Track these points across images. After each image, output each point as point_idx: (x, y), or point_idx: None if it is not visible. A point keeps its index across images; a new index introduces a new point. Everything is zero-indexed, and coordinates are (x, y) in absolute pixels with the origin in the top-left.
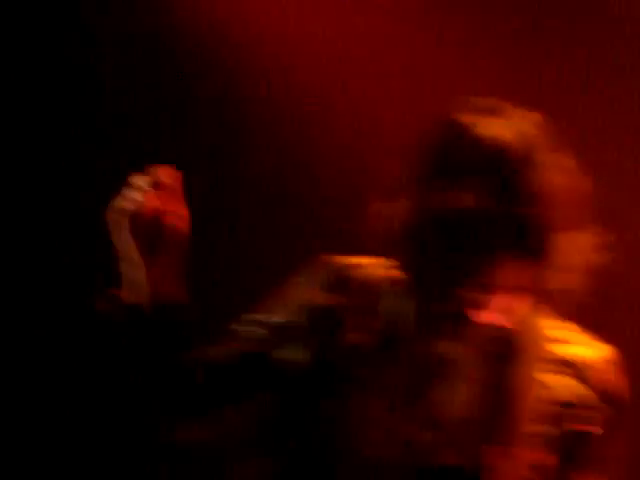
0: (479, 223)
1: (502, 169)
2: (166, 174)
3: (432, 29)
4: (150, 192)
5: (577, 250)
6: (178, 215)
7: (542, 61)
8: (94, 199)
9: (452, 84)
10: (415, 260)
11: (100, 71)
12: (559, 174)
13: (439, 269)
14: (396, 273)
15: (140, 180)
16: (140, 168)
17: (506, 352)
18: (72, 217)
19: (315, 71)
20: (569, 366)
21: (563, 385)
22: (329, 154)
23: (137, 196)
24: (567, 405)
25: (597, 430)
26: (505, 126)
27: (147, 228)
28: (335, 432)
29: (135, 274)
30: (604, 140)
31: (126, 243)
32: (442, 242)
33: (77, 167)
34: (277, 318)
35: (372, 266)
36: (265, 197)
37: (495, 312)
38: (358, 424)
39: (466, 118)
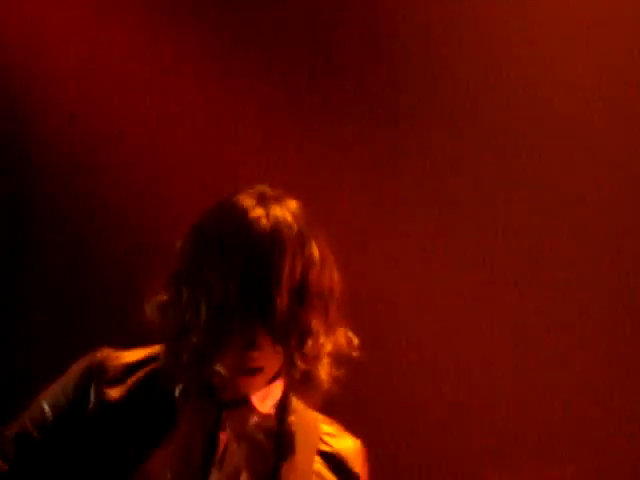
0: (239, 308)
1: (267, 254)
2: None
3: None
4: None
5: (329, 340)
6: None
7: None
8: None
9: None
10: (178, 345)
11: None
12: (322, 267)
13: (198, 354)
14: (161, 361)
15: None
16: None
17: (279, 442)
18: None
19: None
20: (324, 455)
21: (317, 473)
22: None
23: None
24: None
25: None
26: (276, 215)
27: None
28: None
29: None
30: None
31: None
32: (202, 320)
33: None
34: (50, 418)
35: (141, 356)
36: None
37: (261, 399)
38: None
39: (243, 202)
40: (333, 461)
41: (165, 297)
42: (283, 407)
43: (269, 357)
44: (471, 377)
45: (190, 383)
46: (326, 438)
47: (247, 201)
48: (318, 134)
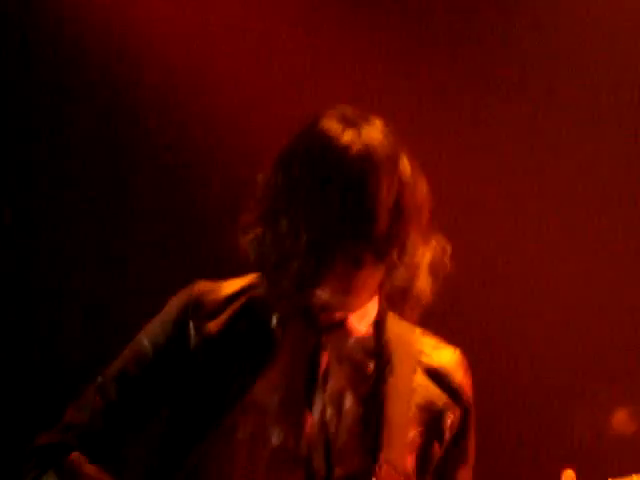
0: (340, 231)
1: (364, 177)
2: None
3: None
4: None
5: (427, 254)
6: None
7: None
8: None
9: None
10: (279, 274)
11: None
12: (414, 183)
13: (301, 281)
14: (260, 290)
15: None
16: None
17: (379, 361)
18: None
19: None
20: (425, 369)
21: (420, 388)
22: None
23: None
24: (424, 407)
25: (449, 431)
26: (367, 136)
27: None
28: (222, 455)
29: None
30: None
31: None
32: (303, 247)
33: None
34: (150, 355)
35: (236, 287)
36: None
37: (358, 320)
38: (245, 452)
39: (330, 127)
40: (434, 374)
41: (261, 229)
42: (380, 325)
43: (371, 275)
44: (563, 298)
45: (290, 310)
46: (426, 351)
47: (335, 125)
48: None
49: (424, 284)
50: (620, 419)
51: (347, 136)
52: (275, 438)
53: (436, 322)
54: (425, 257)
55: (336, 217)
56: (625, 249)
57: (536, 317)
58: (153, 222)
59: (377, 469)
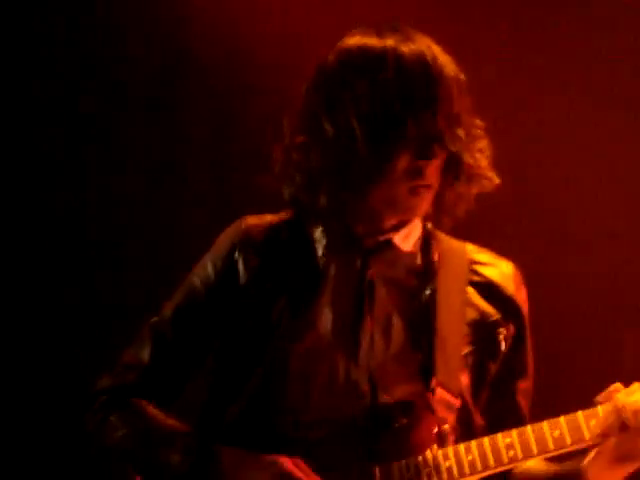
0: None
1: (425, 58)
2: None
3: None
4: None
5: (483, 158)
6: None
7: None
8: None
9: None
10: (336, 180)
11: None
12: (465, 92)
13: (362, 178)
14: (299, 220)
15: None
16: None
17: (427, 280)
18: None
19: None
20: (476, 285)
21: (472, 305)
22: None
23: None
24: (476, 324)
25: (503, 345)
26: (418, 46)
27: None
28: (276, 385)
29: None
30: None
31: None
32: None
33: None
34: (202, 291)
35: (281, 218)
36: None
37: (403, 239)
38: (299, 382)
39: (364, 34)
40: (486, 289)
41: (309, 143)
42: (427, 243)
43: (436, 174)
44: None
45: (339, 225)
46: (476, 267)
47: (367, 33)
48: None
49: (488, 175)
50: None
51: (389, 38)
52: (327, 368)
53: (490, 238)
54: (483, 149)
55: (394, 107)
56: None
57: (592, 242)
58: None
59: (430, 394)
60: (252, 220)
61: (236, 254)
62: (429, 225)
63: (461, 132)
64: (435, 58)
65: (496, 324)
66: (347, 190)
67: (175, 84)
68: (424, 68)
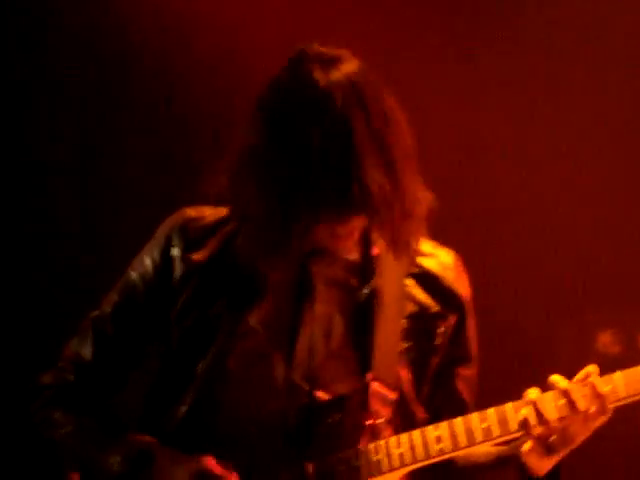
0: (326, 179)
1: (344, 123)
2: None
3: None
4: None
5: (418, 199)
6: None
7: None
8: None
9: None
10: (259, 219)
11: None
12: (390, 121)
13: (288, 231)
14: (239, 218)
15: None
16: None
17: (366, 278)
18: None
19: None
20: (415, 277)
21: (411, 297)
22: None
23: None
24: (415, 317)
25: (444, 336)
26: (340, 74)
27: None
28: (215, 384)
29: None
30: None
31: None
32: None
33: None
34: (140, 287)
35: (223, 213)
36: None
37: (347, 240)
38: (237, 381)
39: (304, 66)
40: (426, 281)
41: (246, 186)
42: (365, 242)
43: (359, 221)
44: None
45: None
46: (417, 259)
47: (306, 70)
48: None
49: (412, 228)
50: (604, 341)
51: (318, 75)
52: (265, 365)
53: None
54: (416, 203)
55: (319, 165)
56: (613, 173)
57: (529, 240)
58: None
59: (363, 389)
60: (191, 212)
61: (172, 250)
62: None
63: (380, 197)
64: (374, 99)
65: (436, 316)
66: (274, 229)
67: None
68: (347, 135)
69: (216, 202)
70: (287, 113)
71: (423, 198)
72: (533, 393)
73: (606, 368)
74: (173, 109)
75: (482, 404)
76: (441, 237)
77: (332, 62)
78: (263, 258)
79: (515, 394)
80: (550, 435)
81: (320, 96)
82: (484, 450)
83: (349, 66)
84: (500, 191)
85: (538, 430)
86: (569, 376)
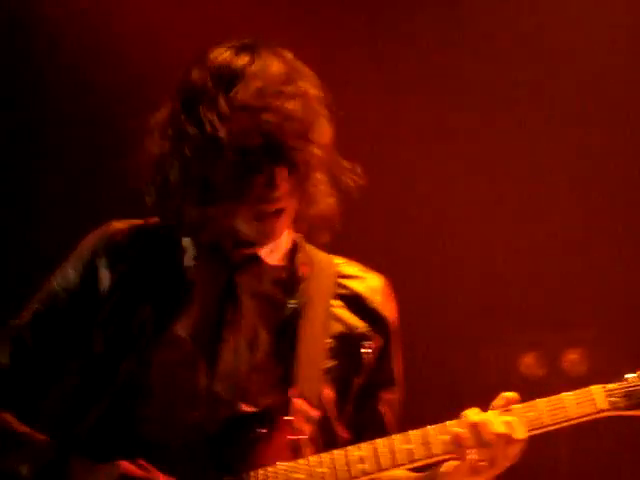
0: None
1: (261, 101)
2: None
3: None
4: None
5: (331, 178)
6: None
7: None
8: None
9: None
10: (187, 199)
11: None
12: (313, 106)
13: (221, 204)
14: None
15: None
16: None
17: (292, 292)
18: None
19: None
20: (342, 298)
21: (338, 317)
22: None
23: None
24: (341, 337)
25: (369, 358)
26: (262, 63)
27: None
28: (137, 393)
29: None
30: None
31: None
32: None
33: None
34: (62, 295)
35: (150, 226)
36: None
37: (269, 253)
38: (160, 388)
39: (213, 53)
40: (353, 302)
41: (168, 169)
42: (293, 256)
43: (287, 198)
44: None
45: (204, 241)
46: (344, 281)
47: (217, 52)
48: None
49: (327, 205)
50: (528, 363)
51: (241, 59)
52: (188, 375)
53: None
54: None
55: (237, 143)
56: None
57: (452, 263)
58: None
59: (289, 404)
60: (118, 225)
61: (98, 259)
62: (298, 238)
63: (305, 169)
64: (289, 81)
65: (362, 337)
66: (209, 205)
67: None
68: (277, 96)
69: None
70: (198, 86)
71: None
72: (469, 413)
73: (530, 389)
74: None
75: (406, 429)
76: (365, 259)
77: (246, 47)
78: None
79: (440, 418)
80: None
81: (230, 69)
82: (404, 474)
83: (265, 49)
84: (422, 214)
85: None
86: (492, 397)
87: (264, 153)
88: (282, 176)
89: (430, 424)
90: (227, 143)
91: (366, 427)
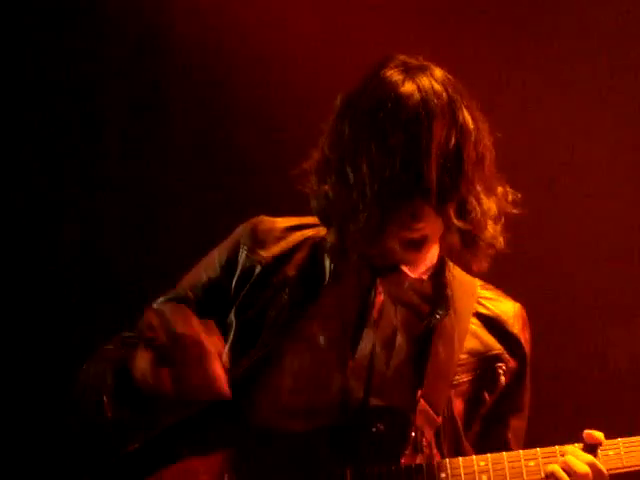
0: (402, 182)
1: (420, 128)
2: None
3: None
4: None
5: (492, 206)
6: None
7: None
8: None
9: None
10: (341, 214)
11: None
12: (477, 131)
13: (364, 222)
14: (318, 230)
15: None
16: None
17: (435, 305)
18: None
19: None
20: (481, 317)
21: (475, 335)
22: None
23: None
24: (477, 354)
25: (502, 379)
26: (426, 86)
27: None
28: (266, 384)
29: None
30: None
31: None
32: (370, 202)
33: None
34: (204, 279)
35: (296, 224)
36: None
37: (419, 265)
38: (289, 376)
39: (390, 75)
40: (490, 323)
41: (329, 183)
42: (438, 272)
43: (432, 227)
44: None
45: (352, 258)
46: (484, 302)
47: (395, 75)
48: None
49: (491, 235)
50: None
51: (407, 87)
52: (321, 369)
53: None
54: (490, 209)
55: (398, 169)
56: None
57: (582, 251)
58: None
59: (415, 405)
60: (265, 218)
61: (241, 247)
62: (445, 255)
63: (452, 204)
64: (442, 124)
65: (498, 358)
66: (352, 238)
67: (159, 84)
68: (426, 140)
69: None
70: (373, 122)
71: (502, 202)
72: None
73: None
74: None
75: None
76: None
77: (415, 70)
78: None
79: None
80: None
81: (405, 99)
82: None
83: (431, 76)
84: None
85: None
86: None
87: (408, 181)
88: (424, 208)
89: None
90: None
91: (491, 452)
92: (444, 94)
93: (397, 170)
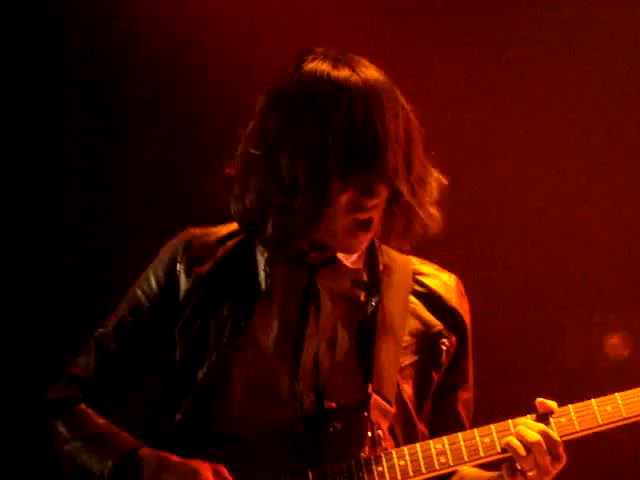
0: (347, 161)
1: (373, 104)
2: None
3: None
4: None
5: (434, 184)
6: None
7: None
8: None
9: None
10: (276, 207)
11: None
12: (413, 112)
13: (303, 208)
14: (244, 232)
15: None
16: None
17: (370, 291)
18: None
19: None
20: (419, 296)
21: (415, 314)
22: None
23: None
24: (419, 334)
25: (446, 355)
26: (361, 67)
27: None
28: (221, 397)
29: None
30: None
31: None
32: (305, 185)
33: None
34: (143, 301)
35: (228, 232)
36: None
37: (353, 254)
38: (239, 388)
39: (318, 64)
40: (429, 300)
41: (257, 182)
42: (371, 257)
43: (378, 208)
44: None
45: (289, 252)
46: (420, 278)
47: (323, 64)
48: None
49: (429, 213)
50: (613, 344)
51: (342, 71)
52: (269, 376)
53: (434, 252)
54: (432, 187)
55: (345, 147)
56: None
57: (534, 247)
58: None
59: (367, 400)
60: (196, 231)
61: (178, 266)
62: (375, 239)
63: (406, 179)
64: (386, 101)
65: (439, 334)
66: (291, 226)
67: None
68: (372, 114)
69: (223, 214)
70: (309, 105)
71: (435, 187)
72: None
73: (615, 371)
74: (175, 111)
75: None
76: (437, 252)
77: (342, 55)
78: (291, 241)
79: (524, 404)
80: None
81: (344, 81)
82: (475, 474)
83: (361, 63)
84: (497, 195)
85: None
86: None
87: (361, 160)
88: (378, 185)
89: (514, 411)
90: (318, 152)
91: (445, 426)
92: (378, 75)
93: (347, 150)
